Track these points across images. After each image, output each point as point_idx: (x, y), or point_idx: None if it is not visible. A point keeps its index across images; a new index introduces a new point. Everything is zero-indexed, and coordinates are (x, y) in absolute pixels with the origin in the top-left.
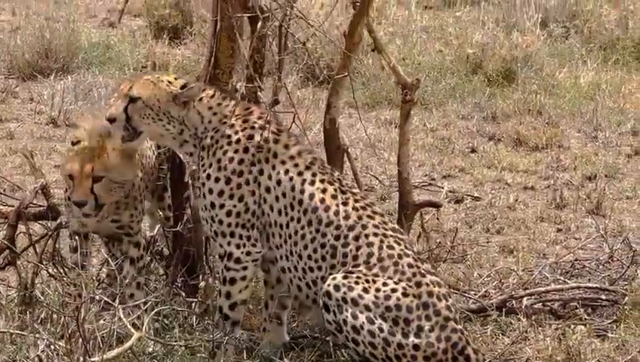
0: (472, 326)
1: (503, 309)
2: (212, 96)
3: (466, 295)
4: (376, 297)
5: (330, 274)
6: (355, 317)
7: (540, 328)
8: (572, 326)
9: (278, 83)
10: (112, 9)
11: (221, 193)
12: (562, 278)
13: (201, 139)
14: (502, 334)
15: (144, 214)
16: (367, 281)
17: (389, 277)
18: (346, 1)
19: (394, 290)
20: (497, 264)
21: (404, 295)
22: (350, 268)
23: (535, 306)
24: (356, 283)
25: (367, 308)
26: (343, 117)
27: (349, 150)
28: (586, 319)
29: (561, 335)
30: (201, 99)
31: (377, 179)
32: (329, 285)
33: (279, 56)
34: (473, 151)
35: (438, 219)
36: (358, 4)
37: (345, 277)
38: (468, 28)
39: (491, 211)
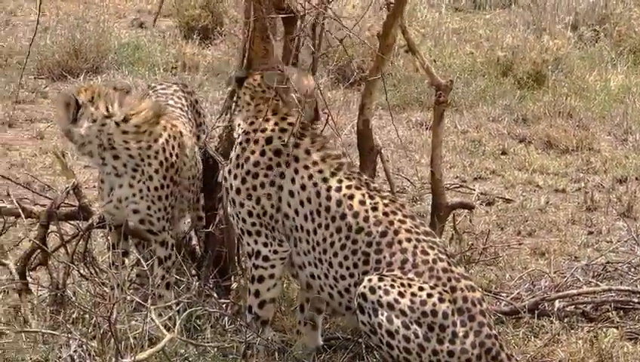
0: (505, 329)
1: (535, 311)
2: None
3: (498, 297)
4: (412, 302)
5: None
6: (390, 321)
7: (572, 331)
8: (604, 329)
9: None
10: (142, 10)
11: (238, 191)
12: (594, 281)
13: (233, 130)
14: (534, 336)
15: (168, 213)
16: (403, 285)
17: (425, 282)
18: (378, 3)
19: (430, 295)
20: (529, 266)
21: (441, 300)
22: (384, 273)
23: (567, 309)
24: (392, 286)
25: (403, 313)
26: (374, 118)
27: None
28: (618, 322)
29: (593, 338)
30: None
31: (409, 180)
32: (365, 287)
33: (313, 56)
34: (504, 153)
35: (470, 221)
36: (392, 5)
37: (380, 279)
38: (498, 30)
39: (522, 213)
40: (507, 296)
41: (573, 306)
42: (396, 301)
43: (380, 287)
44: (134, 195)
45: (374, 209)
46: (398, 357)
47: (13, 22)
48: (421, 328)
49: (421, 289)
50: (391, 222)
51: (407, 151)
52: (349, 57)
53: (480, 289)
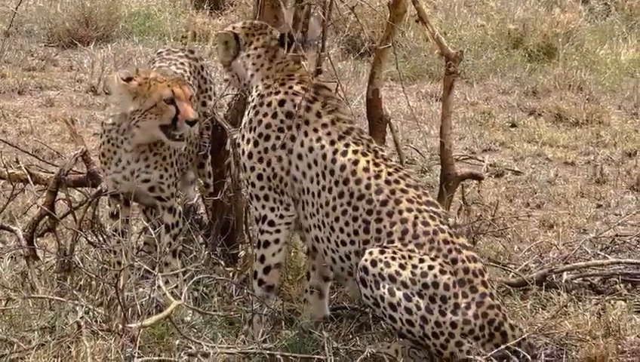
0: (512, 300)
1: (543, 283)
2: (266, 52)
3: (507, 268)
4: (413, 274)
5: (364, 249)
6: (392, 293)
7: (579, 303)
8: (612, 302)
9: (322, 52)
10: None
11: (250, 155)
12: (602, 253)
13: (249, 94)
14: (542, 308)
15: (177, 179)
16: (404, 257)
17: (425, 254)
18: None
19: (431, 267)
20: (537, 238)
21: (442, 272)
22: (385, 244)
23: (575, 281)
24: (393, 258)
25: (405, 285)
26: (384, 89)
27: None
28: (625, 294)
29: (600, 311)
30: (249, 55)
31: (418, 151)
32: (366, 260)
33: (323, 25)
34: (513, 125)
35: (479, 192)
36: None
37: (382, 252)
38: (509, 3)
39: (531, 185)
40: (515, 268)
41: (581, 278)
42: (397, 273)
43: (381, 260)
44: (148, 166)
45: (377, 177)
46: (401, 329)
47: None
48: (423, 300)
49: (422, 261)
50: (392, 191)
51: (417, 122)
52: (360, 26)
53: (481, 260)
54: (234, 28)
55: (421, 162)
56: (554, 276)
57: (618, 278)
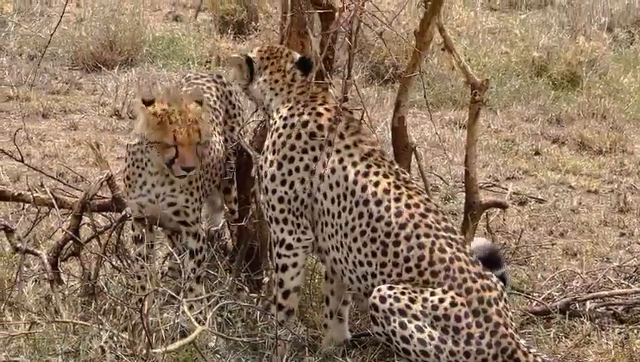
0: (536, 329)
1: (567, 312)
2: (283, 76)
3: (530, 297)
4: (424, 307)
5: (381, 272)
6: (403, 326)
7: (603, 332)
8: (635, 331)
9: (348, 80)
10: (177, 2)
11: (273, 178)
12: (626, 282)
13: (269, 118)
14: (565, 337)
15: (202, 203)
16: (415, 291)
17: (439, 283)
18: (415, 0)
19: (442, 300)
20: (561, 267)
21: (453, 304)
22: (402, 271)
23: (598, 310)
24: (402, 293)
25: (416, 318)
26: (407, 116)
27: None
28: None
29: (624, 340)
30: (265, 80)
31: (442, 178)
32: (374, 297)
33: (349, 52)
34: (537, 153)
35: (503, 220)
36: (430, 2)
37: (390, 288)
38: (533, 31)
39: (555, 214)
40: (539, 296)
41: (604, 307)
42: (408, 306)
43: (390, 296)
44: (174, 190)
45: (397, 200)
46: (417, 361)
47: (49, 12)
48: (435, 330)
49: (433, 294)
50: (412, 215)
51: (444, 150)
52: (387, 51)
53: (498, 287)
54: (251, 52)
55: (445, 190)
56: (577, 304)
57: None
